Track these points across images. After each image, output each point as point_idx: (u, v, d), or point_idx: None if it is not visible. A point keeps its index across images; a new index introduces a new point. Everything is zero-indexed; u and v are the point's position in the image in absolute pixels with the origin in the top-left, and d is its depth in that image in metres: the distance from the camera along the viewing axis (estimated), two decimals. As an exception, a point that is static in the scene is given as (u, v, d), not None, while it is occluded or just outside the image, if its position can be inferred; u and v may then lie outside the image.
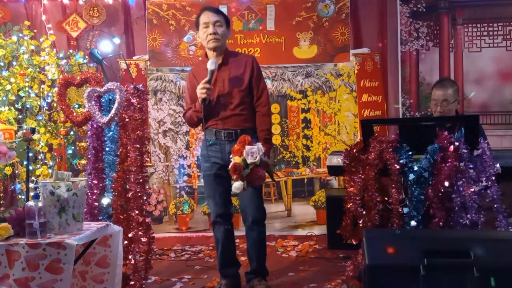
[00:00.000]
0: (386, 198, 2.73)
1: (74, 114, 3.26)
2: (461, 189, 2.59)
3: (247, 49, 4.75)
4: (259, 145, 2.89)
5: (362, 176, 2.74)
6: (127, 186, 3.08)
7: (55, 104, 4.35)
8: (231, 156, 2.91)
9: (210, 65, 3.12)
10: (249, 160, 2.81)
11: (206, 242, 4.45)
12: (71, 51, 4.70)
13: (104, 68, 3.77)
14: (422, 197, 2.62)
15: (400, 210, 2.65)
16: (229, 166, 2.87)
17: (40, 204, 2.31)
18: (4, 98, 4.29)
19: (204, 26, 3.20)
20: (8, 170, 4.29)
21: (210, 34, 3.16)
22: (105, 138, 3.17)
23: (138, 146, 3.07)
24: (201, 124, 3.28)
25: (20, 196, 4.35)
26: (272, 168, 3.30)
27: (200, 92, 3.10)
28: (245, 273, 3.34)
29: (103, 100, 3.15)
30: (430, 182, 2.62)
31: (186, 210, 4.83)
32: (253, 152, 2.82)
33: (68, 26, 4.82)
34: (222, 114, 3.19)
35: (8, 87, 4.30)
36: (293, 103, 4.84)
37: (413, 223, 2.63)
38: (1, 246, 2.22)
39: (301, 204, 4.85)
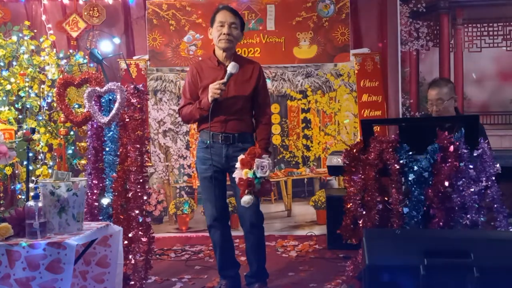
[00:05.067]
0: (386, 198, 2.73)
1: (74, 114, 3.26)
2: (461, 189, 2.59)
3: (247, 49, 4.75)
4: (268, 159, 2.87)
5: (362, 176, 2.74)
6: (127, 186, 3.08)
7: (55, 104, 4.34)
8: (237, 165, 2.88)
9: (232, 68, 3.07)
10: (259, 174, 2.81)
11: (206, 242, 4.44)
12: (71, 51, 4.70)
13: (104, 68, 3.77)
14: (422, 197, 2.62)
15: (400, 210, 2.65)
16: (237, 178, 2.85)
17: (40, 204, 2.31)
18: (4, 98, 4.29)
19: (219, 25, 3.17)
20: (8, 170, 4.29)
21: (224, 34, 3.14)
22: (105, 138, 3.17)
23: (138, 146, 3.07)
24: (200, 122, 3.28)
25: (20, 196, 4.35)
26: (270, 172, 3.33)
27: (214, 92, 3.05)
28: (245, 276, 3.33)
29: (103, 100, 3.15)
30: (430, 182, 2.62)
31: (186, 210, 4.83)
32: (264, 166, 2.81)
33: (68, 26, 4.82)
34: (222, 116, 3.16)
35: (8, 87, 4.30)
36: (293, 103, 4.84)
37: (413, 223, 2.63)
38: (1, 246, 2.22)
39: (301, 204, 4.85)
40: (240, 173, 2.84)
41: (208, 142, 3.19)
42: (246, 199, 2.80)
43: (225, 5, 3.29)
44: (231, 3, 4.73)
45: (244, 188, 2.81)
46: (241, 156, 2.88)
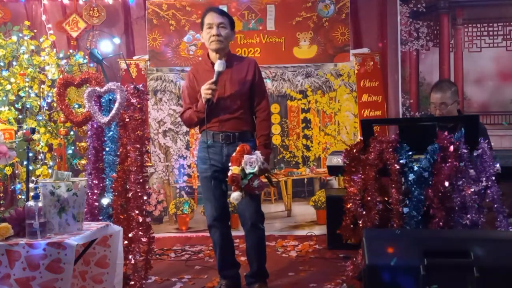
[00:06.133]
0: (386, 198, 2.73)
1: (74, 114, 3.26)
2: (461, 189, 2.59)
3: (247, 49, 4.75)
4: (258, 153, 2.87)
5: (362, 176, 2.74)
6: (127, 186, 3.08)
7: (55, 104, 4.35)
8: (230, 164, 2.89)
9: (218, 66, 3.08)
10: (248, 170, 2.81)
11: (206, 242, 4.45)
12: (71, 51, 4.70)
13: (104, 68, 3.77)
14: (422, 197, 2.62)
15: (400, 210, 2.64)
16: (228, 176, 2.87)
17: (40, 204, 2.31)
18: (4, 98, 4.30)
19: (208, 27, 3.17)
20: (8, 170, 4.29)
21: (213, 35, 3.14)
22: (105, 138, 3.17)
23: (138, 146, 3.07)
24: (199, 125, 3.28)
25: (20, 196, 4.35)
26: (271, 171, 3.28)
27: (205, 92, 3.06)
28: (245, 275, 3.33)
29: (103, 100, 3.15)
30: (430, 182, 2.62)
31: (186, 210, 4.83)
32: (252, 162, 2.81)
33: (68, 26, 4.82)
34: (221, 116, 3.17)
35: (8, 87, 4.30)
36: (293, 103, 4.84)
37: (413, 223, 2.62)
38: (1, 246, 2.22)
39: (301, 204, 4.85)
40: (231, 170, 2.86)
41: (209, 142, 3.19)
42: (234, 195, 2.81)
43: (211, 7, 3.30)
44: (231, 3, 4.75)
45: (231, 185, 2.82)
46: (233, 155, 2.90)
